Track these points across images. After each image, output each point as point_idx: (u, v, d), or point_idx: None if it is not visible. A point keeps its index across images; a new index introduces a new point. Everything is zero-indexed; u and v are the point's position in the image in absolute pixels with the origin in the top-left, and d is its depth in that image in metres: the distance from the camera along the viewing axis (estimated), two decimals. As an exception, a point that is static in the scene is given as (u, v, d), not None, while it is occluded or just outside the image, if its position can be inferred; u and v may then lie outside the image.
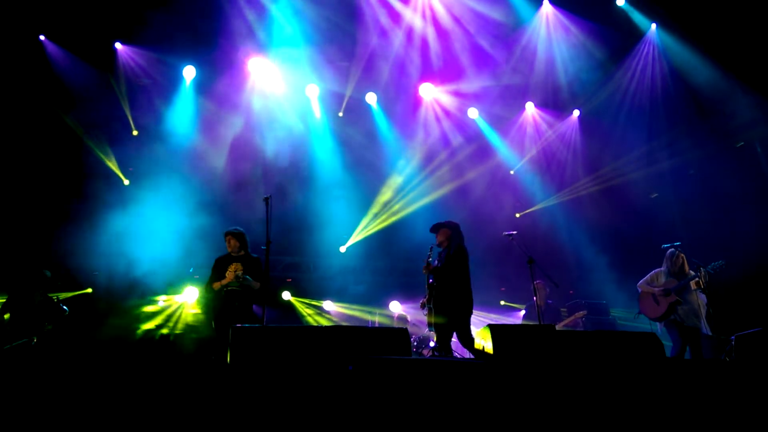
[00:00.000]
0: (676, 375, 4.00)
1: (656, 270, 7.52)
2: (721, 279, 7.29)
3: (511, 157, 13.06)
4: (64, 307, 7.75)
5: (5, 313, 7.36)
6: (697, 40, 10.51)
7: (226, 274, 6.71)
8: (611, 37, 11.07)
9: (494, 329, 4.58)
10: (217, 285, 6.70)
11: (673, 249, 7.43)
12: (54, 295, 7.88)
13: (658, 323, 7.40)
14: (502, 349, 4.42)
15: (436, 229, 6.96)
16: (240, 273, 6.67)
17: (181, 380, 3.84)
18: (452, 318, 6.40)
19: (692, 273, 7.26)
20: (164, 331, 10.34)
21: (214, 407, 3.60)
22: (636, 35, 11.28)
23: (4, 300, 7.55)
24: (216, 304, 6.72)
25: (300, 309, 12.24)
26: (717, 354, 7.44)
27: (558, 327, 9.14)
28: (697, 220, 10.55)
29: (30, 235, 9.91)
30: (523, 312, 10.07)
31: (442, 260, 6.71)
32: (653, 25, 11.10)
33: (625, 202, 12.03)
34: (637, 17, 11.04)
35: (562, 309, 10.01)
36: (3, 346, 6.99)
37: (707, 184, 10.73)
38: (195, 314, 10.58)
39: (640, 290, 7.56)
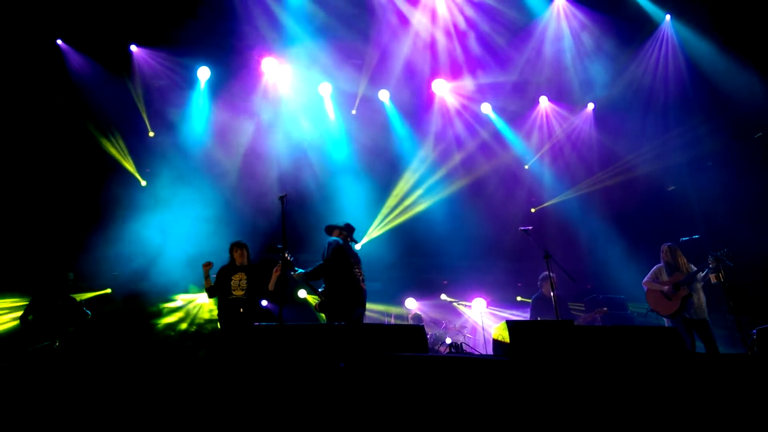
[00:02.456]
0: (700, 371, 3.95)
1: (657, 266, 7.57)
2: (738, 271, 7.24)
3: (526, 151, 12.99)
4: (87, 311, 7.85)
5: (29, 315, 7.47)
6: (712, 30, 10.36)
7: (231, 284, 6.94)
8: (625, 29, 10.95)
9: (511, 325, 4.55)
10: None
11: (667, 243, 7.55)
12: (77, 296, 8.00)
13: (665, 319, 7.37)
14: (520, 345, 4.39)
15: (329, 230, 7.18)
16: (245, 283, 6.94)
17: (194, 377, 3.88)
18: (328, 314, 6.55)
19: (693, 267, 7.31)
20: (181, 331, 10.45)
21: (230, 403, 3.64)
22: (650, 26, 11.13)
23: (27, 302, 7.66)
24: (222, 311, 6.94)
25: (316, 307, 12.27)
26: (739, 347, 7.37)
27: (576, 323, 9.06)
28: (716, 213, 10.40)
29: (50, 237, 10.05)
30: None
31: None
32: (667, 16, 10.96)
33: (642, 196, 11.90)
34: (651, 8, 10.90)
35: (577, 304, 9.92)
36: (26, 348, 7.11)
37: (726, 175, 10.57)
38: (212, 313, 10.68)
39: (646, 288, 7.56)
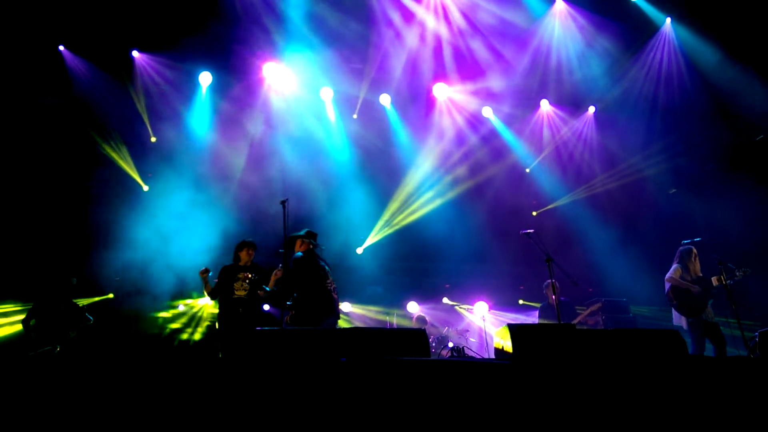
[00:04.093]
0: (701, 373, 3.95)
1: (675, 266, 7.50)
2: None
3: (527, 155, 13.00)
4: (89, 317, 7.85)
5: (31, 320, 7.47)
6: (713, 33, 10.37)
7: (235, 284, 6.83)
8: (625, 32, 10.96)
9: (513, 329, 4.55)
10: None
11: (690, 246, 7.49)
12: (79, 301, 8.00)
13: (684, 320, 7.31)
14: (522, 348, 4.39)
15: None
16: (247, 284, 6.82)
17: (197, 382, 3.89)
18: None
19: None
20: (184, 336, 10.47)
21: (234, 408, 3.64)
22: (650, 30, 11.15)
23: (30, 307, 7.66)
24: (222, 310, 6.85)
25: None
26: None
27: (574, 322, 9.09)
28: (717, 215, 10.39)
29: (52, 242, 10.08)
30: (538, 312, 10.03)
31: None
32: (668, 19, 10.98)
33: (643, 199, 11.90)
34: (651, 11, 10.92)
35: (579, 307, 9.93)
36: (28, 353, 7.12)
37: (727, 178, 10.56)
38: (214, 318, 10.70)
39: (670, 284, 7.42)
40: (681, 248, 7.59)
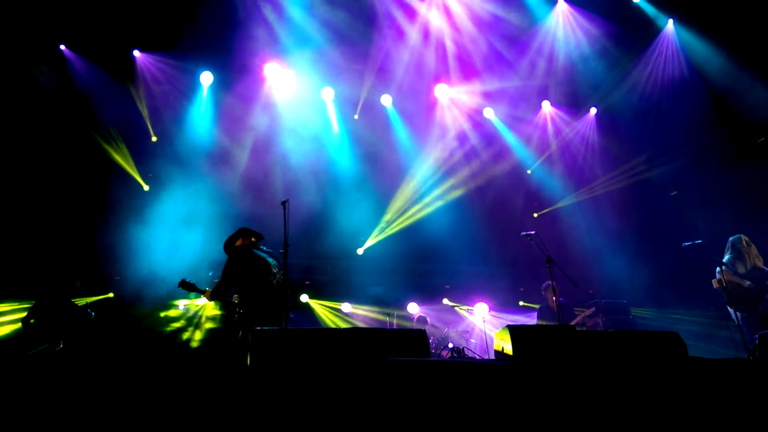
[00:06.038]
0: (701, 375, 3.94)
1: (730, 257, 7.30)
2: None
3: (528, 156, 12.99)
4: (91, 312, 7.86)
5: (31, 319, 7.49)
6: (715, 35, 10.37)
7: None
8: (628, 33, 10.96)
9: (513, 330, 4.55)
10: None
11: (740, 235, 7.29)
12: (79, 301, 8.02)
13: (738, 314, 7.11)
14: (522, 349, 4.39)
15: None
16: None
17: (200, 382, 3.89)
18: None
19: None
20: (184, 335, 10.47)
21: (235, 409, 3.64)
22: (653, 31, 11.14)
23: (31, 305, 7.68)
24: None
25: (318, 311, 12.29)
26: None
27: (572, 323, 9.08)
28: (719, 218, 10.38)
29: (52, 241, 10.08)
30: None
31: None
32: (670, 21, 10.97)
33: (644, 201, 11.88)
34: (654, 13, 10.91)
35: (578, 309, 9.92)
36: (27, 351, 7.14)
37: (728, 180, 10.54)
38: (215, 317, 10.70)
39: (720, 277, 7.13)
40: (732, 238, 7.38)
